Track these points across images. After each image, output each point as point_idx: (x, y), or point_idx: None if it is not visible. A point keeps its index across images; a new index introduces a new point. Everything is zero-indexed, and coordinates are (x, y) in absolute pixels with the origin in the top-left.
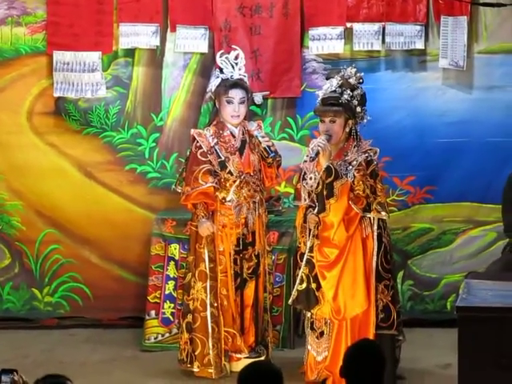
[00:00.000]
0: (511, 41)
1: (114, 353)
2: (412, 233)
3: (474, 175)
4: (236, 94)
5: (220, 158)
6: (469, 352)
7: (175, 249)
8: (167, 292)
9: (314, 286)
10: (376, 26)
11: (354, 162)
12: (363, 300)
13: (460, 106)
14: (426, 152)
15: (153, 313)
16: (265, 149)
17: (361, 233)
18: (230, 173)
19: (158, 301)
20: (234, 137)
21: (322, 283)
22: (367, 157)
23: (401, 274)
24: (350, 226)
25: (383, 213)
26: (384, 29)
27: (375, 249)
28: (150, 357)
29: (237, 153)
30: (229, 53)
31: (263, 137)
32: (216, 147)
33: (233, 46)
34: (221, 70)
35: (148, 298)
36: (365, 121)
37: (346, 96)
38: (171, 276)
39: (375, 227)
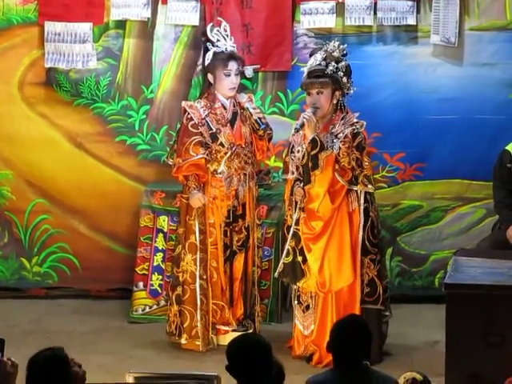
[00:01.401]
0: (503, 18)
1: (102, 324)
2: (401, 209)
3: (464, 152)
4: (233, 66)
5: (211, 129)
6: (456, 329)
7: (164, 221)
8: (155, 264)
9: (299, 258)
10: (368, 1)
11: (341, 135)
12: (349, 273)
13: (451, 82)
14: (416, 128)
15: (141, 284)
16: (256, 121)
17: (347, 206)
18: (222, 144)
19: (146, 272)
20: (225, 109)
21: (307, 256)
22: (354, 129)
23: (390, 250)
24: (336, 199)
25: (369, 186)
26: (376, 4)
27: (362, 222)
28: (137, 328)
29: (228, 124)
30: (219, 25)
31: (254, 108)
32: (207, 119)
33: (218, 19)
34: (212, 43)
35: (136, 269)
36: (351, 91)
37: (331, 68)
38: (160, 248)
39: (362, 201)
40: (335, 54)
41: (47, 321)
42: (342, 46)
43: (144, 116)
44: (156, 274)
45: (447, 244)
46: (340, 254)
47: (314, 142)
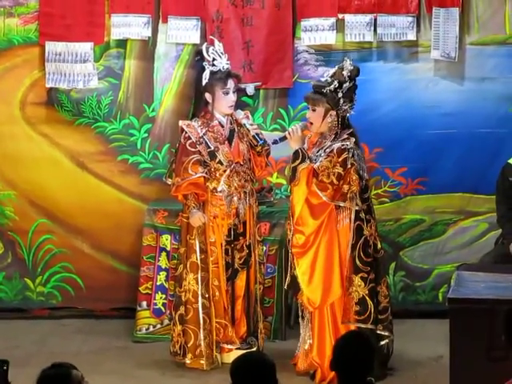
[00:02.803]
0: (503, 32)
1: (106, 343)
2: (404, 224)
3: (466, 166)
4: (231, 84)
5: (209, 147)
6: (460, 344)
7: (167, 239)
8: (159, 283)
9: (295, 272)
10: (368, 17)
11: (328, 150)
12: (337, 289)
13: (451, 97)
14: (417, 143)
15: (144, 304)
16: (254, 137)
17: (338, 223)
18: (220, 162)
19: (149, 292)
20: (222, 126)
21: (297, 269)
22: (342, 145)
23: (393, 265)
24: (319, 214)
25: (353, 202)
26: (376, 20)
27: (351, 240)
28: (141, 348)
29: (226, 142)
30: (213, 44)
31: (251, 125)
32: (205, 137)
33: (210, 37)
34: (208, 62)
35: (139, 288)
36: (347, 114)
37: (331, 86)
38: (163, 267)
39: (353, 218)
40: (344, 72)
41: (51, 341)
42: (352, 67)
43: (146, 134)
44: (159, 293)
45: (450, 258)
46: (329, 271)
47: (295, 154)
